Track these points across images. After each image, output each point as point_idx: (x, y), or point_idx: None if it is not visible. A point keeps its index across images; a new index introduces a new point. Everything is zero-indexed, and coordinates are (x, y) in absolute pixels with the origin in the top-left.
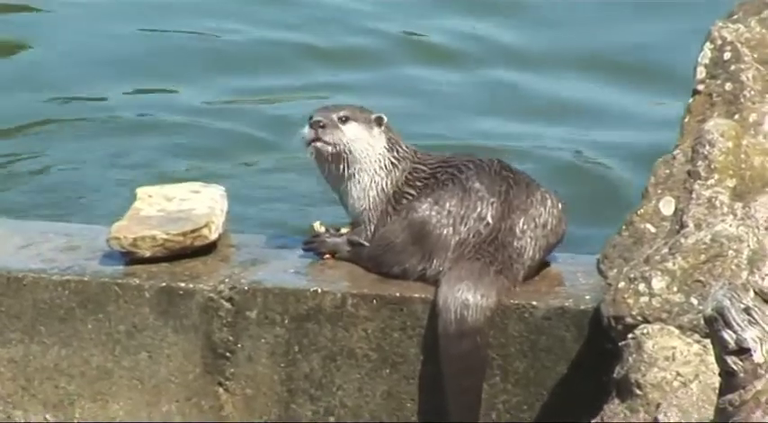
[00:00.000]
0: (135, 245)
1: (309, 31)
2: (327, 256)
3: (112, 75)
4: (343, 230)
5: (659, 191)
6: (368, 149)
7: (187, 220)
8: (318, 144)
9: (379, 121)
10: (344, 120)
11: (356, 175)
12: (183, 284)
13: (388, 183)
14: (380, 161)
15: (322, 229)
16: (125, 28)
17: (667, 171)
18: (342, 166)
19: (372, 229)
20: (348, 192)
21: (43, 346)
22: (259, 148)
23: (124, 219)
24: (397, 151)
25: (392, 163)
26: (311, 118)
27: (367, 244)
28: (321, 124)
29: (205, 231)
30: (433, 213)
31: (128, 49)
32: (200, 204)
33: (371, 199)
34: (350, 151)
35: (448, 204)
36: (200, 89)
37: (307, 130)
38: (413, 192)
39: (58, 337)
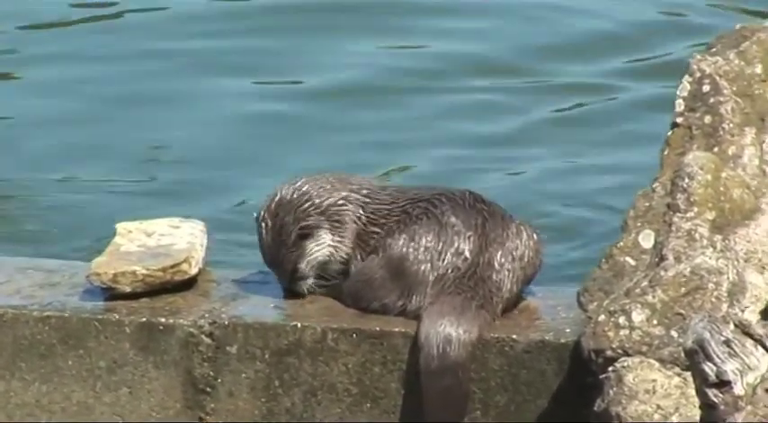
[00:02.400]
0: (115, 280)
1: None
2: None
3: None
4: None
5: (639, 224)
6: (323, 260)
7: (167, 256)
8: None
9: (303, 237)
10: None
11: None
12: (163, 320)
13: (346, 241)
14: (335, 246)
15: None
16: None
17: (647, 204)
18: None
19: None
20: None
21: (24, 383)
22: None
23: (104, 254)
24: (336, 220)
25: (340, 233)
26: None
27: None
28: (291, 280)
29: (185, 266)
30: (411, 250)
31: None
32: (179, 239)
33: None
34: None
35: (424, 240)
36: None
37: None
38: (378, 230)
39: (39, 373)
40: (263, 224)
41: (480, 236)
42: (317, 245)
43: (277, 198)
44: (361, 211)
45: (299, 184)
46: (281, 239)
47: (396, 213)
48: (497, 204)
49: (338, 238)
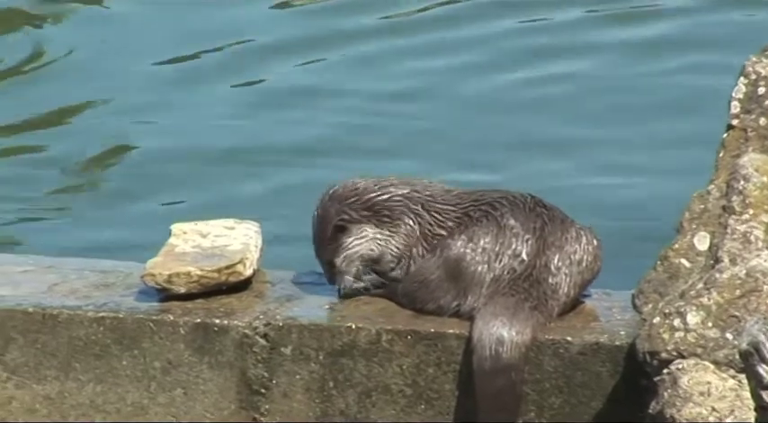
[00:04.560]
0: (170, 281)
1: None
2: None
3: None
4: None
5: (694, 226)
6: (361, 253)
7: (222, 257)
8: (348, 290)
9: (340, 230)
10: (331, 263)
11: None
12: (218, 321)
13: (401, 240)
14: (379, 241)
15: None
16: None
17: (702, 206)
18: None
19: (404, 268)
20: None
21: (79, 383)
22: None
23: (159, 255)
24: (387, 215)
25: (390, 229)
26: None
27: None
28: (330, 281)
29: (240, 267)
30: (468, 250)
31: None
32: (234, 241)
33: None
34: (359, 269)
35: (482, 241)
36: None
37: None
38: (444, 233)
39: (94, 373)
40: (314, 215)
41: (538, 239)
42: (357, 239)
43: (330, 190)
44: (422, 209)
45: (357, 179)
46: (321, 231)
47: (458, 215)
48: (559, 208)
49: (387, 234)
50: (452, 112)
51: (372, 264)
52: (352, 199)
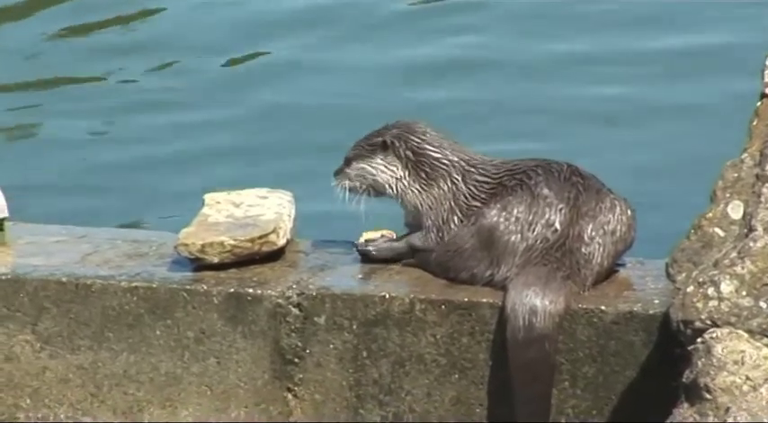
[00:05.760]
0: (203, 251)
1: None
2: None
3: None
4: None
5: (727, 195)
6: (376, 178)
7: (255, 226)
8: (337, 189)
9: (382, 146)
10: (348, 161)
11: (396, 198)
12: (251, 290)
13: (428, 200)
14: (402, 186)
15: (376, 235)
16: None
17: (735, 175)
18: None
19: (434, 238)
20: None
21: (112, 353)
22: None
23: (192, 225)
24: (426, 171)
25: (422, 185)
26: None
27: (420, 246)
28: (335, 172)
29: (273, 237)
30: (502, 220)
31: None
32: (267, 210)
33: (424, 216)
34: (362, 187)
35: (516, 210)
36: None
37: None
38: (478, 203)
39: (127, 343)
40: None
41: (572, 208)
42: (384, 167)
43: (406, 120)
44: (460, 180)
45: (431, 129)
46: (369, 134)
47: (492, 186)
48: (595, 177)
49: (418, 187)
50: None
51: (376, 194)
52: (413, 136)
